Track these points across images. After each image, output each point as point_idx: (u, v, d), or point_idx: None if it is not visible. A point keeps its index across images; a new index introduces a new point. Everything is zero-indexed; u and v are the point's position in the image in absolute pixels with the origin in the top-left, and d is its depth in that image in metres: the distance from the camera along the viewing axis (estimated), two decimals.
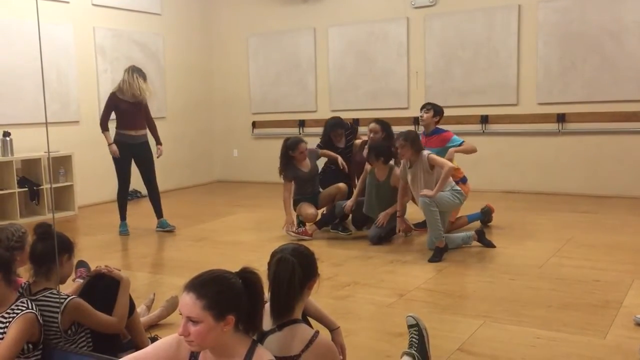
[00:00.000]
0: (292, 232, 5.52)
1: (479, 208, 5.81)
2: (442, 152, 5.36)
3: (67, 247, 2.71)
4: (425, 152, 4.93)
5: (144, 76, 5.97)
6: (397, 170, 5.20)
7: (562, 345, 3.02)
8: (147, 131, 6.14)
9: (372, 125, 5.78)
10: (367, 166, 5.44)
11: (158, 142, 6.22)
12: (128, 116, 5.94)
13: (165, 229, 6.17)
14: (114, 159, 6.03)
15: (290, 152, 5.64)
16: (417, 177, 4.96)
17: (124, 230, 6.09)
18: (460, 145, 5.49)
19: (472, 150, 5.56)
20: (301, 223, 5.80)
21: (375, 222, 5.28)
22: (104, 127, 5.95)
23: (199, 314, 1.86)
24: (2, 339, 2.40)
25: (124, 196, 6.18)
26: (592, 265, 4.41)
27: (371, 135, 5.73)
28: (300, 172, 5.73)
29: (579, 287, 3.91)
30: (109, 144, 5.95)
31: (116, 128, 6.01)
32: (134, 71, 5.91)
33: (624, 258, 4.57)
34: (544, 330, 3.21)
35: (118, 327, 2.70)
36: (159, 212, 6.24)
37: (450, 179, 4.97)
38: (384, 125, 5.78)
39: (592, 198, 7.16)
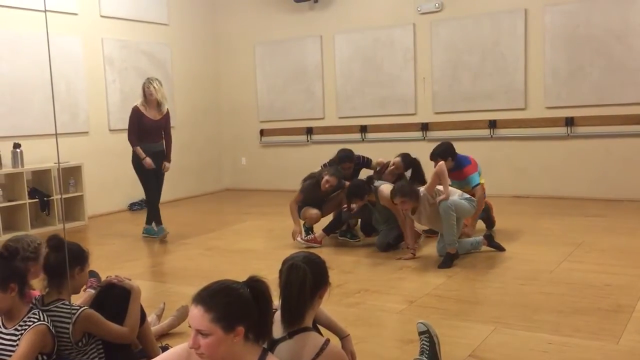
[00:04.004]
0: (302, 239, 5.53)
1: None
2: (463, 184, 5.33)
3: (80, 258, 2.71)
4: (421, 191, 4.82)
5: (160, 83, 6.17)
6: (382, 191, 5.12)
7: (574, 351, 3.00)
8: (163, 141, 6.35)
9: (396, 159, 5.67)
10: None
11: (167, 159, 6.38)
12: (150, 132, 6.16)
13: (151, 235, 6.29)
14: (138, 168, 6.16)
15: (324, 179, 5.55)
16: (422, 215, 4.89)
17: (160, 233, 6.17)
18: (474, 188, 5.34)
19: (483, 200, 5.41)
20: (309, 230, 5.80)
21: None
22: (134, 143, 6.11)
23: (209, 327, 1.85)
24: (14, 351, 2.42)
25: (154, 202, 6.31)
26: (603, 270, 4.38)
27: (391, 168, 5.66)
28: (317, 195, 5.73)
29: (590, 292, 3.88)
30: (143, 159, 6.09)
31: (137, 140, 6.16)
32: (151, 81, 6.10)
33: (636, 262, 4.54)
34: (556, 336, 3.18)
35: (130, 337, 2.71)
36: (149, 219, 6.37)
37: (459, 192, 4.97)
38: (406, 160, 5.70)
39: (602, 202, 7.12)
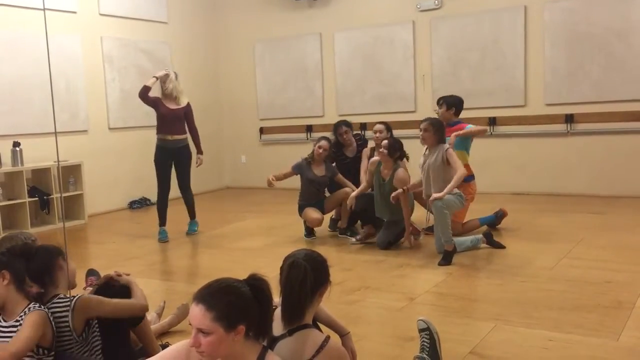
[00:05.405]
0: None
1: (489, 211, 5.79)
2: (462, 142, 5.43)
3: (55, 250, 2.68)
4: (446, 146, 4.94)
5: (175, 76, 6.14)
6: (401, 173, 5.16)
7: (575, 348, 3.00)
8: (188, 136, 6.23)
9: (377, 126, 5.84)
10: (371, 166, 5.39)
11: (199, 151, 6.34)
12: (167, 121, 6.04)
13: (194, 231, 6.32)
14: (156, 163, 6.12)
15: (316, 146, 5.71)
16: (429, 164, 4.95)
17: (163, 237, 6.09)
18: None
19: (480, 131, 5.58)
20: (312, 230, 5.80)
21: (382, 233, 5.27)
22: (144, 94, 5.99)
23: (210, 326, 1.85)
24: None
25: (164, 201, 6.21)
26: (603, 267, 4.38)
27: (376, 135, 5.75)
28: (310, 174, 5.74)
29: (590, 289, 3.89)
30: (153, 82, 6.05)
31: (157, 133, 6.11)
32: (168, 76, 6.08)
33: (636, 258, 4.54)
34: (556, 333, 3.19)
35: (143, 308, 2.70)
36: (192, 213, 6.37)
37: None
38: (388, 125, 5.86)
39: (602, 199, 7.12)
